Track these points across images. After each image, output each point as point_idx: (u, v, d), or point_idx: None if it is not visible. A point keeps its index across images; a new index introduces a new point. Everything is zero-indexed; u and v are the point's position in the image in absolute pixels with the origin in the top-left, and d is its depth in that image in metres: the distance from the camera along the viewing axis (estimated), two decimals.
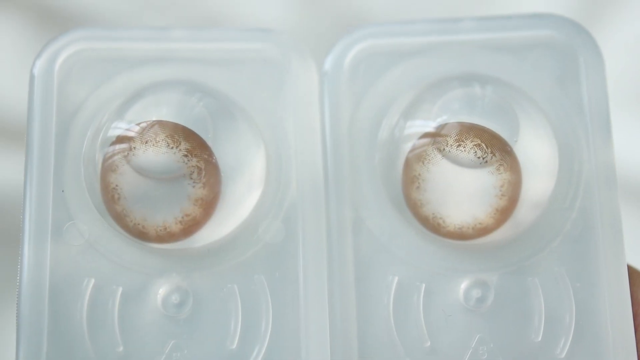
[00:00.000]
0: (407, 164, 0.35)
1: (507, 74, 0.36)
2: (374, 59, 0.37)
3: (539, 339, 0.34)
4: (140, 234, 0.35)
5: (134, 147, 0.34)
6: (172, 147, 0.34)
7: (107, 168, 0.35)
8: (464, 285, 0.35)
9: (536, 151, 0.35)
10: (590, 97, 0.36)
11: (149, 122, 0.35)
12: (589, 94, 0.36)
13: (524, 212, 0.35)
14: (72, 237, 0.35)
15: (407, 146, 0.35)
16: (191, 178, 0.34)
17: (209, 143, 0.35)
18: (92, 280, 0.35)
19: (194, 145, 0.34)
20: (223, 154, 0.35)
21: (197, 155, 0.34)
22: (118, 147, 0.35)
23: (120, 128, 0.35)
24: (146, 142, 0.34)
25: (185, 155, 0.34)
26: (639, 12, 0.52)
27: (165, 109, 0.36)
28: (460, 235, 0.35)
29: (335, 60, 0.37)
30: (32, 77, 0.36)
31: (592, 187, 0.35)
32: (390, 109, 0.36)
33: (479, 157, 0.34)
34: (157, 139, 0.34)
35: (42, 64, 0.36)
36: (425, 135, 0.35)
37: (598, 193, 0.35)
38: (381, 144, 0.36)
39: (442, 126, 0.35)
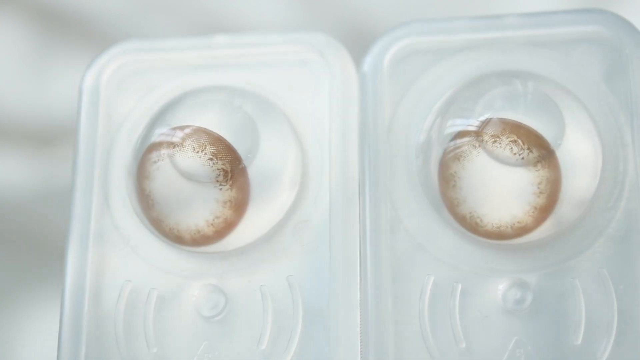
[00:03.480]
0: (444, 163, 0.34)
1: (552, 71, 0.36)
2: (415, 57, 0.36)
3: (579, 342, 0.33)
4: (177, 239, 0.35)
5: (163, 154, 0.35)
6: (197, 152, 0.34)
7: (141, 174, 0.35)
8: (502, 285, 0.34)
9: (579, 148, 0.34)
10: (637, 94, 0.35)
11: (175, 128, 0.35)
12: (635, 90, 0.35)
13: (566, 211, 0.34)
14: (115, 243, 0.36)
15: (444, 146, 0.35)
16: (217, 181, 0.34)
17: (249, 146, 0.35)
18: (130, 284, 0.35)
19: (219, 148, 0.35)
20: (262, 156, 0.35)
21: (223, 159, 0.34)
22: (148, 154, 0.35)
23: (154, 135, 0.36)
24: (173, 147, 0.35)
25: (211, 159, 0.34)
26: None
27: (205, 115, 0.36)
28: (499, 234, 0.34)
29: (374, 60, 0.37)
30: (80, 91, 0.37)
31: (638, 188, 0.34)
32: (431, 108, 0.36)
33: (515, 154, 0.33)
34: (183, 144, 0.35)
35: (89, 77, 0.37)
36: (461, 134, 0.34)
37: None
38: (420, 143, 0.35)
39: (477, 123, 0.34)
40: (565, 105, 0.34)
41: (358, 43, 0.37)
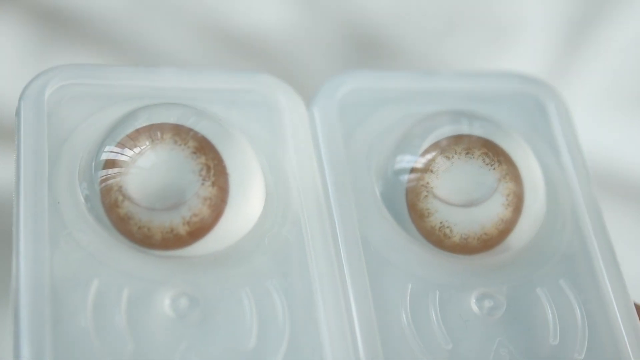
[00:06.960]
0: (413, 177, 0.35)
1: None
2: (359, 102, 0.38)
3: (557, 342, 0.34)
4: (145, 239, 0.33)
5: (139, 147, 0.33)
6: (179, 144, 0.33)
7: (110, 169, 0.33)
8: (474, 297, 0.35)
9: (528, 180, 0.37)
10: (563, 140, 0.39)
11: (151, 125, 0.34)
12: (562, 137, 0.39)
13: (522, 232, 0.36)
14: (71, 247, 0.32)
15: (405, 177, 0.36)
16: (200, 175, 0.33)
17: None
18: (95, 283, 0.32)
19: (201, 144, 0.34)
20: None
21: (206, 154, 0.33)
22: (121, 148, 0.33)
23: (123, 131, 0.34)
24: (152, 141, 0.33)
25: (194, 153, 0.33)
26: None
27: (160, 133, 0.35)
28: (464, 247, 0.35)
29: (323, 100, 0.38)
30: (19, 105, 0.35)
31: (580, 215, 0.37)
32: (382, 144, 0.37)
33: (487, 164, 0.35)
34: (164, 137, 0.33)
35: (30, 92, 0.35)
36: (431, 147, 0.36)
37: (587, 219, 0.37)
38: (378, 172, 0.36)
39: (449, 138, 0.36)
40: (508, 144, 0.37)
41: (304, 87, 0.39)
